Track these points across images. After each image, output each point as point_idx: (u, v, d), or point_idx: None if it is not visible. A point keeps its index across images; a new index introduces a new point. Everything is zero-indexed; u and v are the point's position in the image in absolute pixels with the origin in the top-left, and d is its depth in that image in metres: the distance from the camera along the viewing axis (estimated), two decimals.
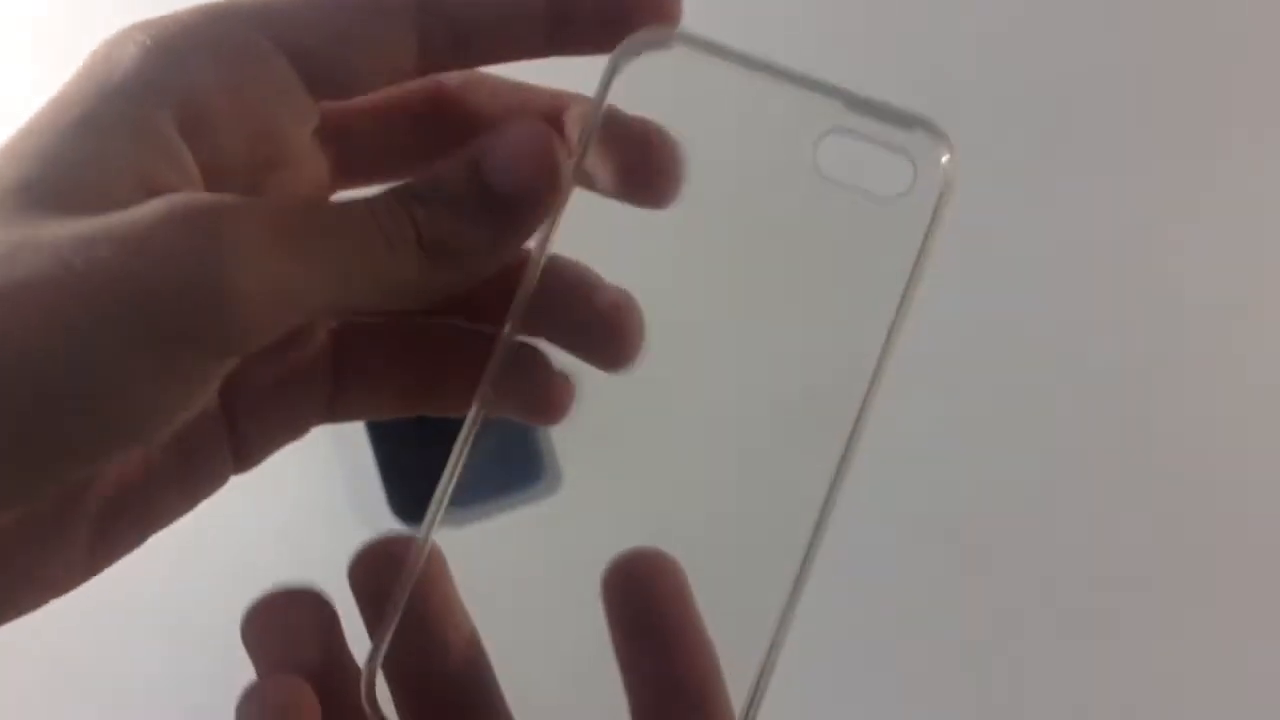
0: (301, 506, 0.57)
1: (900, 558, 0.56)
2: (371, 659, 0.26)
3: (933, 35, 0.64)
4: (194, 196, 0.22)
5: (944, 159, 0.25)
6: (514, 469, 0.56)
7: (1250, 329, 0.60)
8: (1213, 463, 0.58)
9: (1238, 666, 0.55)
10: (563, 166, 0.24)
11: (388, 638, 0.26)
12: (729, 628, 0.25)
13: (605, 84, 0.25)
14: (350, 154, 0.26)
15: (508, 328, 0.25)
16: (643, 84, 0.25)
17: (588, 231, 0.25)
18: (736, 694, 0.25)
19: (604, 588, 0.25)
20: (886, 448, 0.57)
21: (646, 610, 0.25)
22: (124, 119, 0.22)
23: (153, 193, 0.22)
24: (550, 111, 0.26)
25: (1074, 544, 0.56)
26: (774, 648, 0.25)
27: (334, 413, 0.28)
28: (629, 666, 0.25)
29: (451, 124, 0.26)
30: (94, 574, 0.25)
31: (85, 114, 0.22)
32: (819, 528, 0.26)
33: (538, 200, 0.24)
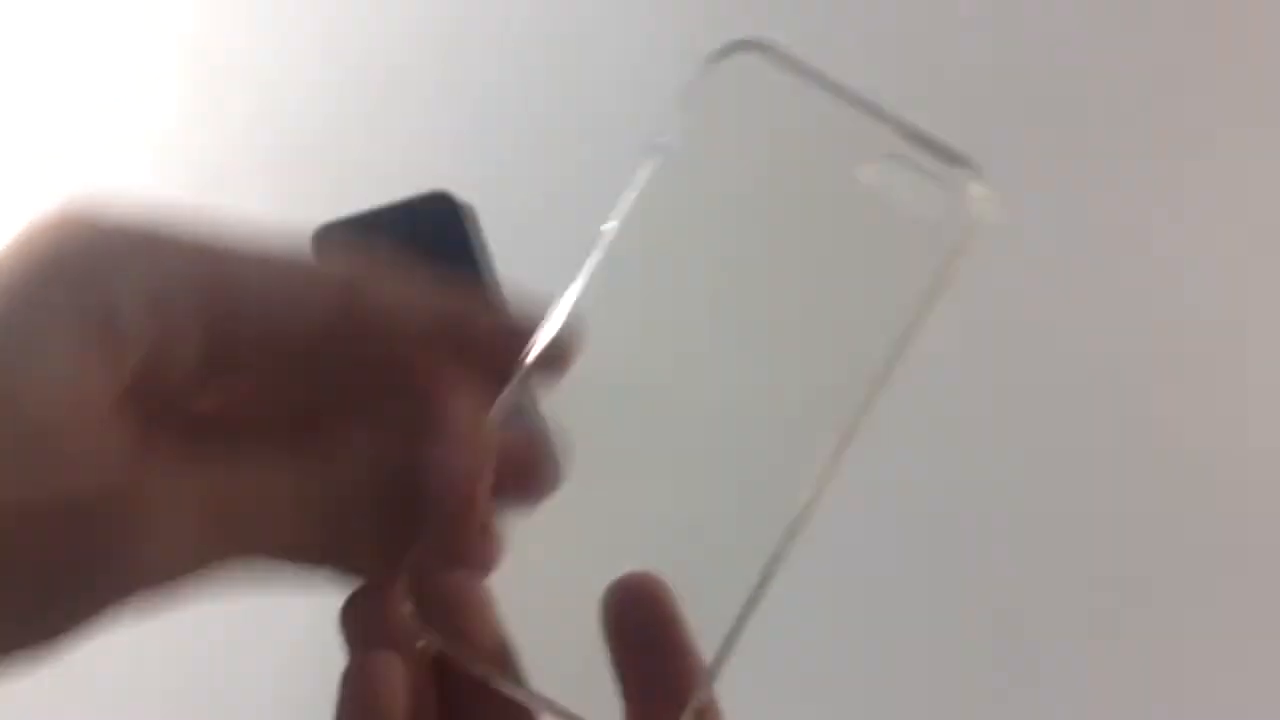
0: None
1: (900, 558, 0.57)
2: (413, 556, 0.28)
3: (946, 35, 0.65)
4: (134, 477, 0.23)
5: (979, 198, 0.29)
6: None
7: (1250, 328, 0.61)
8: (1213, 462, 0.58)
9: (1238, 666, 0.56)
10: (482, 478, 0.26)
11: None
12: (702, 617, 0.28)
13: (695, 81, 0.29)
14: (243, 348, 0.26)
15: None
16: (729, 83, 0.29)
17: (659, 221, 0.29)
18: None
19: (603, 609, 0.28)
20: (886, 446, 0.57)
21: (644, 627, 0.28)
22: (67, 324, 0.23)
23: (86, 398, 0.23)
24: (450, 322, 0.28)
25: (1072, 544, 0.57)
26: (733, 635, 0.28)
27: None
28: (628, 677, 0.28)
29: (353, 331, 0.27)
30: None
31: (29, 322, 0.23)
32: (795, 526, 0.29)
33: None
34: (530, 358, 0.28)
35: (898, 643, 0.56)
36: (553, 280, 0.63)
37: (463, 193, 0.61)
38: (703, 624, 0.28)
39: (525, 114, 0.64)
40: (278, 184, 0.63)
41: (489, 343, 0.28)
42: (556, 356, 0.28)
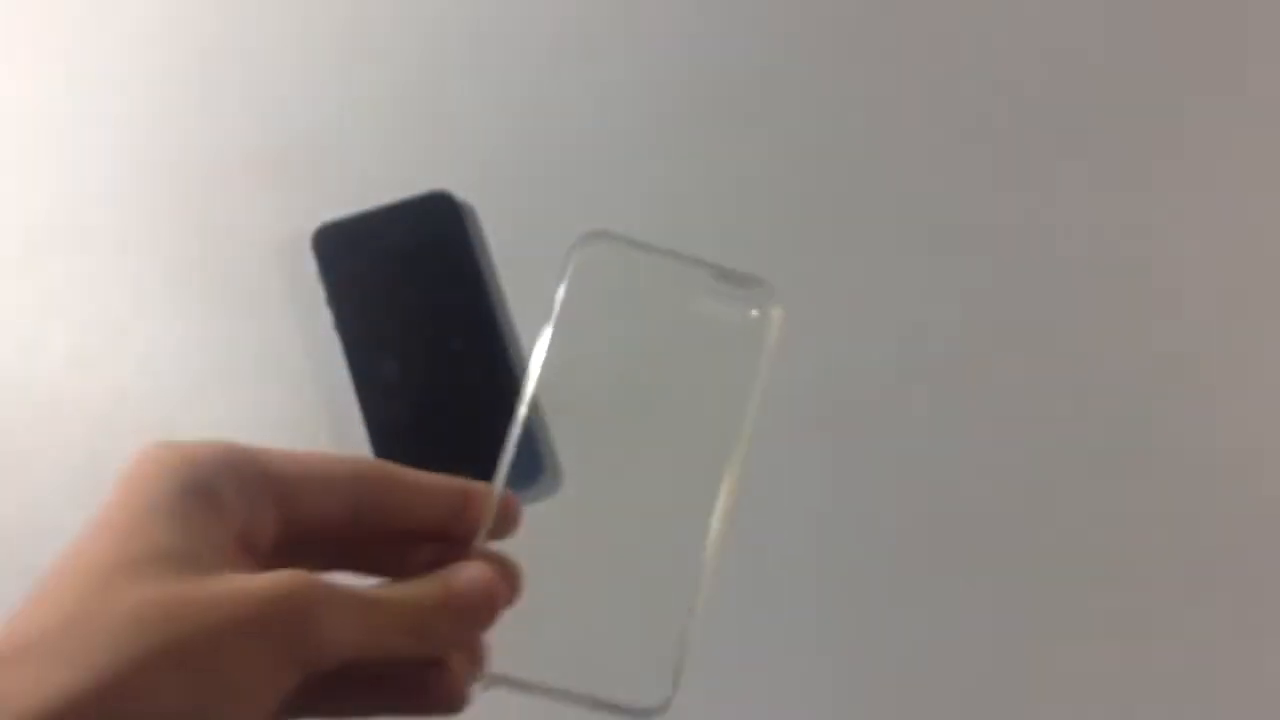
0: None
1: (899, 559, 0.57)
2: None
3: (962, 39, 0.65)
4: (303, 580, 0.32)
5: (775, 310, 0.42)
6: (515, 468, 0.56)
7: (1249, 327, 0.61)
8: (1214, 462, 0.58)
9: (1236, 668, 0.56)
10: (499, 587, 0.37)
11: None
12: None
13: (565, 261, 0.42)
14: (300, 529, 0.36)
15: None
16: (590, 260, 0.42)
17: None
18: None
19: None
20: (889, 447, 0.58)
21: None
22: (198, 511, 0.33)
23: (222, 546, 0.33)
24: (456, 504, 0.39)
25: (1071, 545, 0.57)
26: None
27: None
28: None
29: (379, 505, 0.38)
30: None
31: (172, 506, 0.33)
32: (710, 552, 0.40)
33: (488, 617, 0.37)
34: (489, 517, 0.40)
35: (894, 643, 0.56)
36: (548, 277, 0.63)
37: (462, 193, 0.62)
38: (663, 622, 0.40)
39: (526, 115, 0.64)
40: (280, 184, 0.63)
41: (462, 515, 0.40)
42: (505, 515, 0.40)
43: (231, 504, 0.34)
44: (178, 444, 0.34)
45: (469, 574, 0.37)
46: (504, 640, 0.38)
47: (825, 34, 0.65)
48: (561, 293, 0.42)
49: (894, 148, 0.62)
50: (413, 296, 0.59)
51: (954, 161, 0.62)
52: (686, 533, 0.40)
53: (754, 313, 0.42)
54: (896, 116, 0.63)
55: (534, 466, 0.53)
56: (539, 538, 0.41)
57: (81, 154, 0.63)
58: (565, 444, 0.44)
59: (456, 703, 0.37)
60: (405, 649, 0.35)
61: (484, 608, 0.37)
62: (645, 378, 0.43)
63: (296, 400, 0.58)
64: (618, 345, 0.43)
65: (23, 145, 0.64)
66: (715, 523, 0.40)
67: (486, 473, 0.50)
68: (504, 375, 0.58)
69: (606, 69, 0.65)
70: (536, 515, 0.41)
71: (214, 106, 0.64)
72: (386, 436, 0.57)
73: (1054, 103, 0.63)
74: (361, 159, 0.63)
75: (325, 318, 0.59)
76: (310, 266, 0.60)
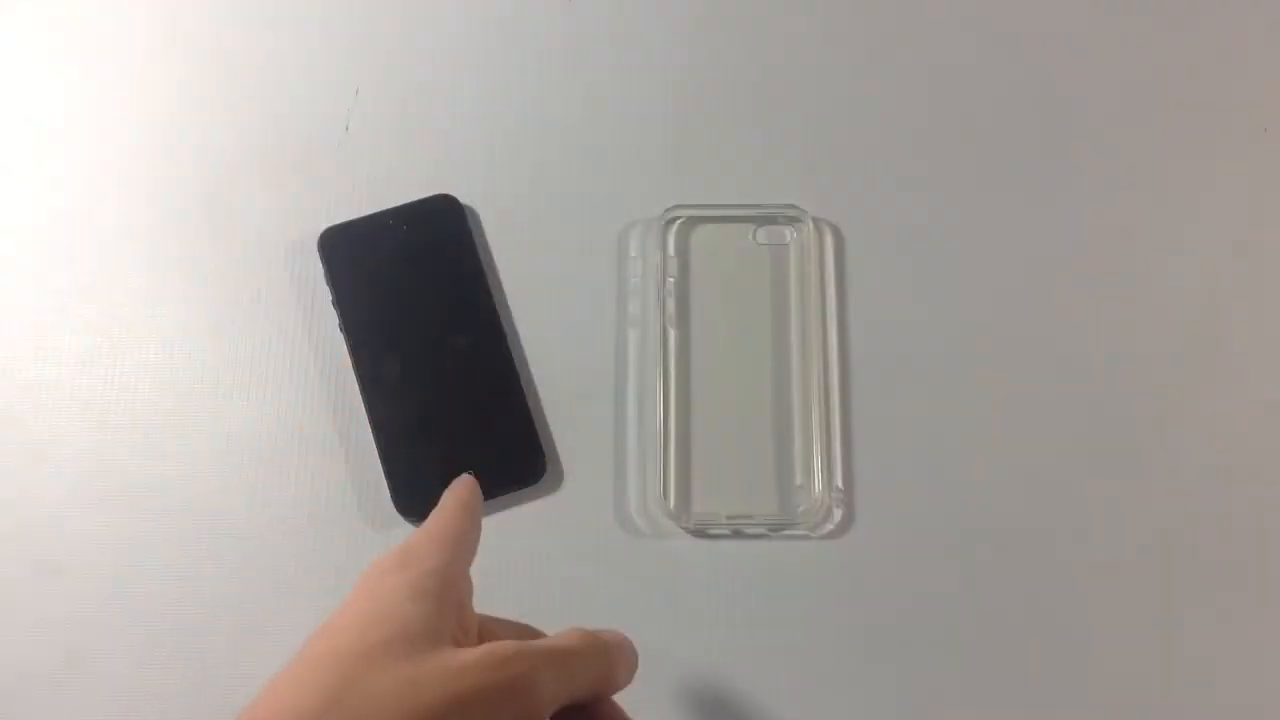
0: (307, 504, 0.58)
1: (903, 559, 0.57)
2: None
3: (951, 34, 0.65)
4: (521, 649, 0.36)
5: (810, 225, 0.61)
6: (518, 466, 0.57)
7: (1249, 327, 0.61)
8: (1213, 462, 0.58)
9: (1237, 667, 0.56)
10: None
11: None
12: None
13: (662, 234, 0.62)
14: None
15: None
16: (679, 227, 0.62)
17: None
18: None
19: None
20: (890, 450, 0.58)
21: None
22: (430, 603, 0.37)
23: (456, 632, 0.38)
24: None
25: (1072, 542, 0.57)
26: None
27: None
28: None
29: None
30: None
31: (407, 602, 0.37)
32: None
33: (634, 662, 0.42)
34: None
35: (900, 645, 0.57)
36: (546, 275, 0.63)
37: (465, 196, 0.62)
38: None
39: (528, 120, 0.64)
40: (286, 187, 0.63)
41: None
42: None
43: (451, 604, 0.38)
44: (404, 566, 0.39)
45: (614, 632, 0.41)
46: (708, 495, 0.56)
47: (823, 44, 0.66)
48: (668, 251, 0.61)
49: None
50: (417, 297, 0.60)
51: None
52: (811, 387, 0.58)
53: (795, 232, 0.61)
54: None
55: (537, 464, 0.53)
56: (705, 412, 0.58)
57: (91, 157, 0.64)
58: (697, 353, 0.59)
59: None
60: (595, 689, 0.39)
61: (633, 653, 0.41)
62: (736, 288, 0.61)
63: (303, 401, 0.59)
64: (715, 270, 0.61)
65: (35, 147, 0.64)
66: (834, 376, 0.59)
67: (486, 468, 0.51)
68: (507, 374, 0.59)
69: (606, 75, 0.65)
70: (701, 392, 0.58)
71: (221, 112, 0.65)
72: (391, 435, 0.58)
73: (1079, 109, 0.64)
74: (366, 163, 0.64)
75: (331, 319, 0.60)
76: (316, 268, 0.61)
